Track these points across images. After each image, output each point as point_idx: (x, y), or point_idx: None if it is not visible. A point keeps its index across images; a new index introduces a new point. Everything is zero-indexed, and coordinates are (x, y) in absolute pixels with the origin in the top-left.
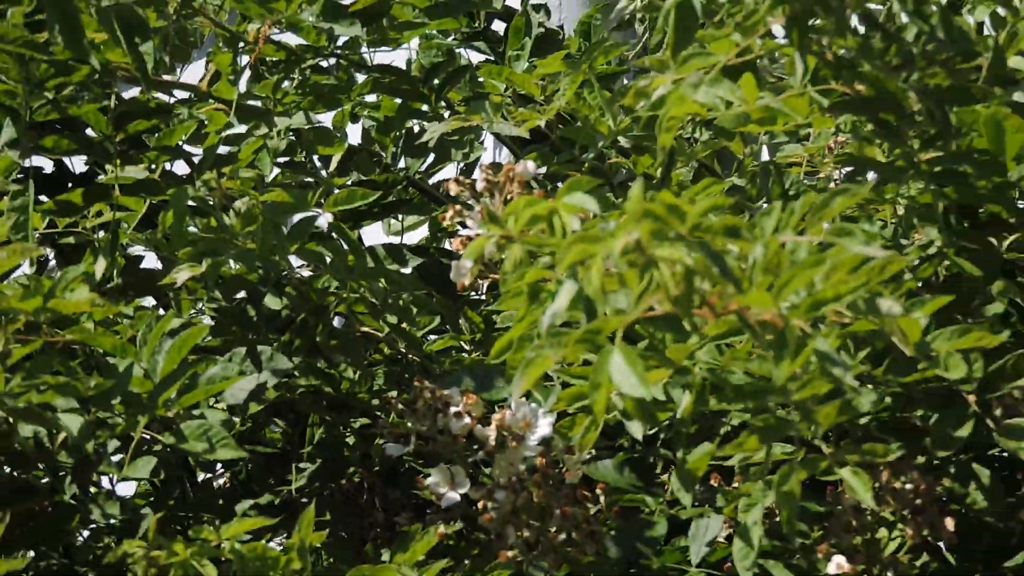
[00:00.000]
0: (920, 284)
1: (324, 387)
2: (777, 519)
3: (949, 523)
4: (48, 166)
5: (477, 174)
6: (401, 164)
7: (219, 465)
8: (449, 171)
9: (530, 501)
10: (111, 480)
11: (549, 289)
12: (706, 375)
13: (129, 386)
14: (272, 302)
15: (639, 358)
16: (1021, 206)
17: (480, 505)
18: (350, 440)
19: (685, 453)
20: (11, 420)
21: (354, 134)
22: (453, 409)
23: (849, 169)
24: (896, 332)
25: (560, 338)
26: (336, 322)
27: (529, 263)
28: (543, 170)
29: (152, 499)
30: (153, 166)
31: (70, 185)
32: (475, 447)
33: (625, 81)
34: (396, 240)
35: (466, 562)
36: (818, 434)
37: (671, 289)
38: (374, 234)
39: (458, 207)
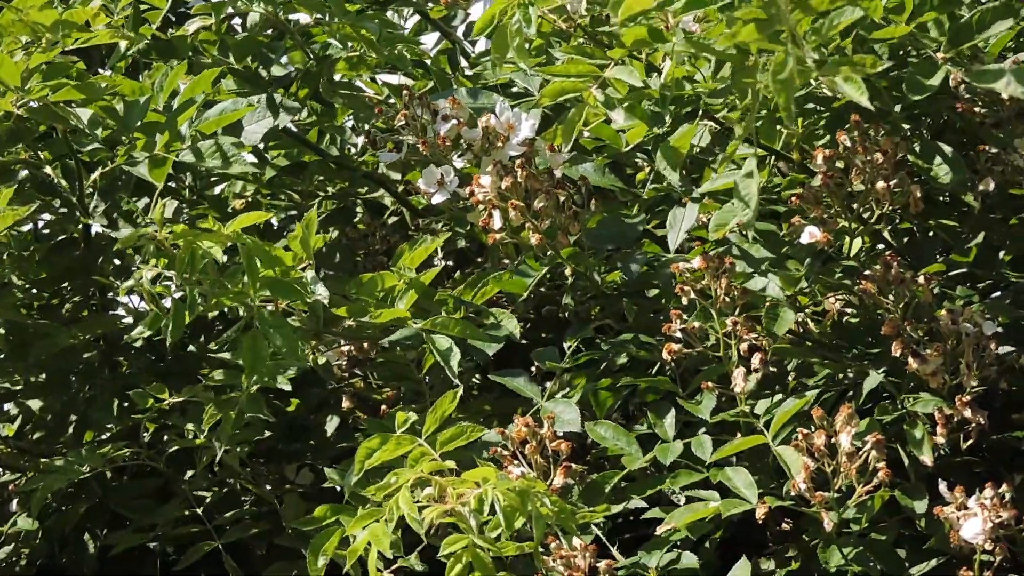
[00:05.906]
0: None
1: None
2: None
3: (916, 190)
4: None
5: None
6: None
7: None
8: None
9: (515, 184)
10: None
11: None
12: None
13: (146, 118)
14: (277, 70)
15: None
16: None
17: (468, 191)
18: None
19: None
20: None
21: None
22: (441, 113)
23: None
24: None
25: None
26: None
27: None
28: None
29: None
30: None
31: None
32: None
33: None
34: None
35: (461, 287)
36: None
37: None
38: None
39: None
